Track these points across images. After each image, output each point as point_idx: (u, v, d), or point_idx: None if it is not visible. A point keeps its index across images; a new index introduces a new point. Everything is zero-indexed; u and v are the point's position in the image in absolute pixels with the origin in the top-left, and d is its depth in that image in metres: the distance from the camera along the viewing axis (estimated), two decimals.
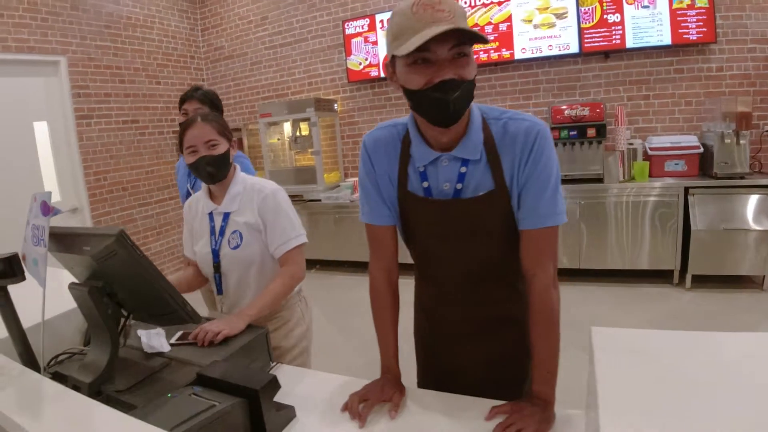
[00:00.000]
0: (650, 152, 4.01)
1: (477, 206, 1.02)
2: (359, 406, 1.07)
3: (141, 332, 1.34)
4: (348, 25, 5.11)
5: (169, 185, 5.38)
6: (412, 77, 0.92)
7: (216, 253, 1.59)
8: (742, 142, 3.57)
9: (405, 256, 1.25)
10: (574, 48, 4.26)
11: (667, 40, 3.95)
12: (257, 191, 1.60)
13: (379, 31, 4.97)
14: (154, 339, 1.32)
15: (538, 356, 1.04)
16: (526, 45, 4.43)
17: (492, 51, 4.55)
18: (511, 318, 1.16)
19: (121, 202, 4.92)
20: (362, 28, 5.04)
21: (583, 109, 3.98)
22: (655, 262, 3.89)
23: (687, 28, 3.87)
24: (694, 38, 3.88)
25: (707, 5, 3.80)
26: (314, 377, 1.31)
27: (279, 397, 1.08)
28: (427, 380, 1.35)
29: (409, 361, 1.39)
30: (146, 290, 1.13)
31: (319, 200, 5.02)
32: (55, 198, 4.33)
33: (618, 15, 4.06)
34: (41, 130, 4.24)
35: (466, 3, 4.55)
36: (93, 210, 4.62)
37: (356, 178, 4.29)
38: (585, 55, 4.30)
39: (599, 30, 4.14)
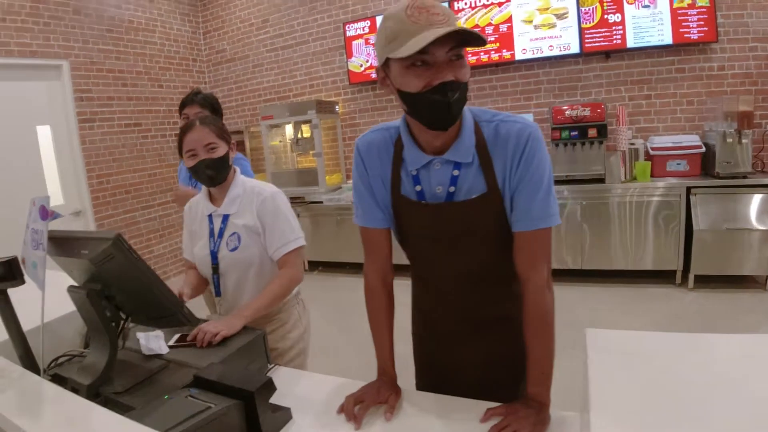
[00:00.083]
0: (652, 152, 4.00)
1: (470, 209, 1.03)
2: (355, 408, 1.07)
3: (140, 335, 1.34)
4: (349, 28, 5.12)
5: (172, 188, 5.39)
6: (409, 80, 0.92)
7: (214, 255, 1.60)
8: (744, 141, 3.56)
9: (403, 257, 1.26)
10: (574, 48, 4.25)
11: (668, 39, 3.95)
12: (256, 194, 1.61)
13: None
14: (153, 341, 1.33)
15: (532, 358, 1.04)
16: (526, 45, 4.42)
17: (492, 52, 4.55)
18: (508, 317, 1.16)
19: (124, 205, 4.94)
20: (363, 30, 5.05)
21: (584, 110, 3.98)
22: (658, 263, 3.88)
23: (688, 27, 3.86)
24: (695, 37, 3.87)
25: (708, 4, 3.79)
26: (311, 379, 1.31)
27: (276, 399, 1.08)
28: (425, 381, 1.36)
29: (408, 362, 1.39)
30: (143, 293, 1.14)
31: (321, 202, 5.03)
32: (58, 201, 4.36)
33: (619, 15, 4.06)
34: (44, 133, 4.27)
35: (466, 4, 4.56)
36: (96, 213, 4.65)
37: None
38: (586, 55, 4.29)
39: (600, 30, 4.14)
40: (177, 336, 1.40)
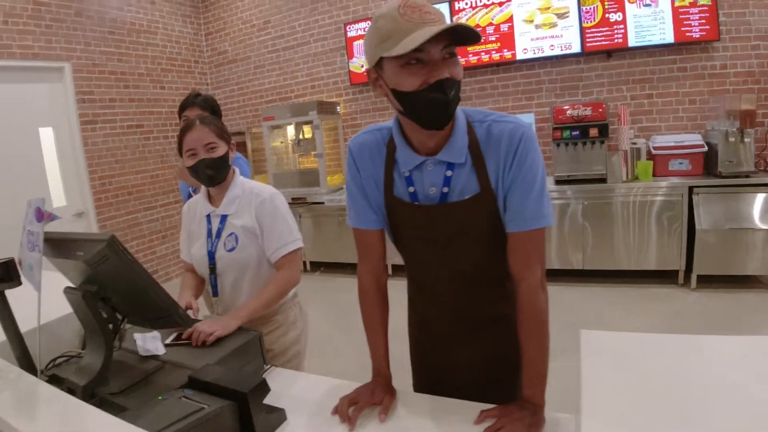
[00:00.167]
0: (654, 151, 3.98)
1: (463, 210, 1.02)
2: (349, 409, 1.07)
3: (137, 335, 1.35)
4: (350, 28, 5.13)
5: (174, 189, 5.41)
6: (405, 79, 0.91)
7: (212, 255, 1.61)
8: (746, 140, 3.54)
9: (401, 258, 1.25)
10: (576, 48, 4.24)
11: (669, 38, 3.93)
12: (255, 195, 1.61)
13: None
14: (150, 342, 1.34)
15: (527, 359, 1.03)
16: (527, 45, 4.42)
17: (494, 52, 4.54)
18: (502, 318, 1.16)
19: (127, 206, 4.96)
20: (364, 30, 5.05)
21: (585, 109, 3.96)
22: (660, 263, 3.86)
23: (690, 26, 3.85)
24: (697, 36, 3.85)
25: (710, 3, 3.77)
26: (308, 380, 1.31)
27: (271, 400, 1.08)
28: (422, 382, 1.35)
29: (406, 363, 1.39)
30: (139, 294, 1.15)
31: (322, 203, 5.03)
32: (61, 203, 4.38)
33: (620, 14, 4.04)
34: (47, 135, 4.29)
35: (467, 4, 4.56)
36: (98, 214, 4.66)
37: None
38: (587, 54, 4.28)
39: (601, 29, 4.12)
40: (174, 335, 1.41)
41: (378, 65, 0.95)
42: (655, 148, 3.98)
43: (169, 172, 5.39)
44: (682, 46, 3.98)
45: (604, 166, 4.03)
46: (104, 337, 1.17)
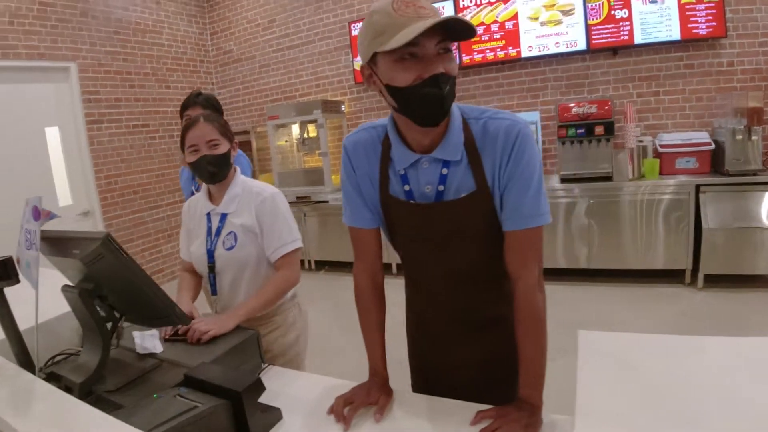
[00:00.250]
0: (660, 149, 3.94)
1: (459, 208, 1.01)
2: (344, 409, 1.06)
3: (136, 333, 1.35)
4: (354, 27, 5.12)
5: (179, 188, 5.43)
6: (399, 74, 0.90)
7: (211, 254, 1.60)
8: (754, 138, 3.49)
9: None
10: (581, 45, 4.21)
11: (676, 35, 3.89)
12: (255, 194, 1.61)
13: None
14: (148, 340, 1.34)
15: (524, 360, 1.02)
16: (532, 43, 4.39)
17: (498, 49, 4.51)
18: (501, 317, 1.14)
19: (132, 205, 4.99)
20: None
21: (591, 107, 3.93)
22: (667, 262, 3.82)
23: (696, 22, 3.80)
24: (704, 33, 3.81)
25: None
26: (305, 379, 1.31)
27: (268, 399, 1.08)
28: (420, 382, 1.34)
29: (406, 363, 1.38)
30: (135, 293, 1.14)
31: (327, 201, 5.03)
32: (67, 202, 4.41)
33: (626, 11, 4.01)
34: (53, 135, 4.33)
35: (471, 1, 4.53)
36: (104, 213, 4.69)
37: None
38: (593, 51, 4.24)
39: (607, 26, 4.09)
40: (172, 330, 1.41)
41: (372, 61, 0.94)
42: (662, 146, 3.94)
43: (175, 171, 5.41)
44: (688, 42, 3.94)
45: (610, 164, 3.99)
46: (101, 335, 1.17)
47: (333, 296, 4.37)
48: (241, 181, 1.65)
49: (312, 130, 5.28)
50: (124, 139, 4.92)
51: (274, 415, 1.07)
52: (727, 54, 3.88)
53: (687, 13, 3.82)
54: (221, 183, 1.62)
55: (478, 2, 4.51)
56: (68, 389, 1.12)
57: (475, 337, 1.18)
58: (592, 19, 4.12)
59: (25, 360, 1.24)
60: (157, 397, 1.01)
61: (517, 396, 1.02)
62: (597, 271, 4.07)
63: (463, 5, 4.56)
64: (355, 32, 5.12)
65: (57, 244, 1.20)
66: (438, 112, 0.93)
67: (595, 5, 4.08)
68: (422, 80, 0.89)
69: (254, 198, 1.60)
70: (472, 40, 4.58)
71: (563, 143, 4.07)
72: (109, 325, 1.22)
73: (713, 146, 3.78)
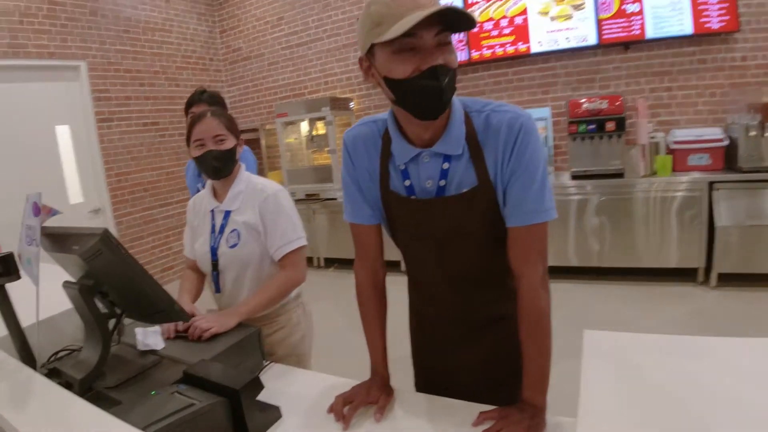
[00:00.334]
0: (673, 146, 3.87)
1: (461, 204, 0.98)
2: (344, 408, 1.05)
3: (137, 330, 1.35)
4: None
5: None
6: (397, 66, 0.88)
7: (214, 251, 1.59)
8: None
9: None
10: (592, 40, 4.14)
11: (688, 29, 3.81)
12: (259, 191, 1.59)
13: None
14: (150, 337, 1.33)
15: (527, 360, 0.99)
16: (542, 38, 4.33)
17: (508, 45, 4.46)
18: (504, 317, 1.12)
19: (143, 202, 5.02)
20: None
21: (602, 102, 3.87)
22: (679, 260, 3.75)
23: (708, 16, 3.72)
24: (717, 27, 3.72)
25: None
26: (307, 377, 1.30)
27: (268, 397, 1.07)
28: (423, 381, 1.32)
29: (409, 362, 1.36)
30: (134, 289, 1.14)
31: (336, 199, 5.02)
32: (78, 199, 4.45)
33: (637, 5, 3.93)
34: (63, 133, 4.36)
35: None
36: (115, 210, 4.73)
37: None
38: (604, 46, 4.17)
39: (618, 20, 4.02)
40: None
41: (370, 53, 0.92)
42: (675, 143, 3.86)
43: (184, 169, 5.43)
44: (701, 37, 3.85)
45: (621, 160, 3.93)
46: (101, 331, 1.17)
47: (341, 294, 4.35)
48: (245, 178, 1.64)
49: (321, 128, 5.27)
50: (134, 137, 4.95)
51: (272, 413, 1.06)
52: (740, 49, 3.80)
53: (699, 7, 3.74)
54: (225, 179, 1.61)
55: None
56: (69, 385, 1.12)
57: (477, 338, 1.16)
58: (603, 14, 4.06)
59: (26, 356, 1.24)
60: (154, 394, 1.01)
61: (520, 397, 0.99)
62: (608, 270, 4.01)
63: (472, 0, 4.51)
64: None
65: (58, 240, 1.20)
66: (437, 105, 0.90)
67: None
68: (420, 72, 0.86)
69: (258, 195, 1.58)
70: (482, 35, 4.54)
71: (574, 139, 4.02)
72: (111, 321, 1.22)
73: (727, 142, 3.70)
